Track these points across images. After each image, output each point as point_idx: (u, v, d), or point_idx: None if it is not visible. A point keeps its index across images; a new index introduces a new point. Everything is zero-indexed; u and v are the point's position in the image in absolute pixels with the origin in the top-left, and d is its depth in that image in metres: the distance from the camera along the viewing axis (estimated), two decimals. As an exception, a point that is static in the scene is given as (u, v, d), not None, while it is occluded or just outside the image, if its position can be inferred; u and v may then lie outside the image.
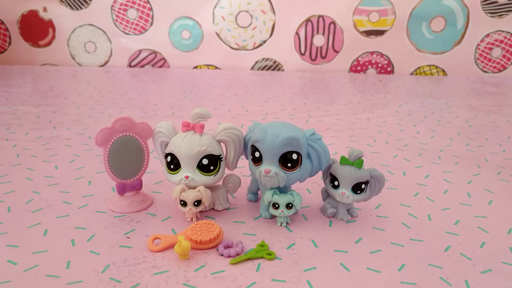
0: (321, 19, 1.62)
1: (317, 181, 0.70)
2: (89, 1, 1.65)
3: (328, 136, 0.92)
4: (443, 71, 1.65)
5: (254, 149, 0.55)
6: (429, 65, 1.65)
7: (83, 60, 1.73)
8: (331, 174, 0.58)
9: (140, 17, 1.66)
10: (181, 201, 0.57)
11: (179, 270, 0.49)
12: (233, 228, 0.57)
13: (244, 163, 0.61)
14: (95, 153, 0.82)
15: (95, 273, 0.48)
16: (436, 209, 0.64)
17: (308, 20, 1.63)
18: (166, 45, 1.69)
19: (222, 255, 0.51)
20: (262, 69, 1.71)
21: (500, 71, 1.64)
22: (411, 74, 1.67)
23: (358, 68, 1.68)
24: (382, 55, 1.65)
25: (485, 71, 1.64)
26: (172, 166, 0.57)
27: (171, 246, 0.52)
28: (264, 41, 1.67)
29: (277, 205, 0.56)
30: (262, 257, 0.51)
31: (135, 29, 1.68)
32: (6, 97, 1.25)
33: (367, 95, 1.34)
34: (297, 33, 1.65)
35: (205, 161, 0.56)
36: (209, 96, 1.32)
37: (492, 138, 0.96)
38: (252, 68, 1.71)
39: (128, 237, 0.55)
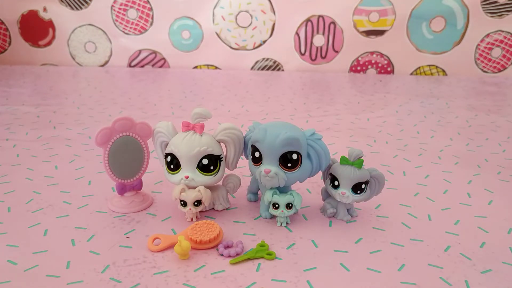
0: (321, 19, 1.62)
1: (317, 181, 0.70)
2: (89, 1, 1.65)
3: (328, 136, 0.92)
4: (443, 71, 1.65)
5: (254, 149, 0.55)
6: (429, 65, 1.65)
7: (83, 60, 1.73)
8: (331, 174, 0.58)
9: (140, 17, 1.66)
10: (181, 201, 0.57)
11: (179, 270, 0.49)
12: (233, 228, 0.57)
13: (244, 163, 0.61)
14: (95, 153, 0.82)
15: (95, 273, 0.48)
16: (436, 209, 0.64)
17: (308, 20, 1.63)
18: (166, 45, 1.69)
19: (222, 255, 0.51)
20: (262, 69, 1.71)
21: (500, 71, 1.64)
22: (411, 74, 1.67)
23: (358, 68, 1.69)
24: (382, 55, 1.65)
25: (485, 71, 1.64)
26: (172, 166, 0.57)
27: (171, 246, 0.52)
28: (264, 41, 1.67)
29: (277, 205, 0.56)
30: (262, 257, 0.51)
31: (135, 29, 1.68)
32: (6, 97, 1.25)
33: (367, 95, 1.34)
34: (297, 33, 1.65)
35: (205, 161, 0.56)
36: (209, 96, 1.32)
37: (492, 138, 0.96)
38: (252, 68, 1.71)
39: (128, 237, 0.55)
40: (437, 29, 1.60)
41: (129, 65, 1.72)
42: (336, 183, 0.57)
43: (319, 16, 1.62)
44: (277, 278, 0.48)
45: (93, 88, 1.38)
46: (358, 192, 0.56)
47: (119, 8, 1.65)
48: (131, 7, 1.65)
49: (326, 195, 0.61)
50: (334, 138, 0.93)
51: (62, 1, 1.65)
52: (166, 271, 0.48)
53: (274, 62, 1.70)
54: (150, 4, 1.65)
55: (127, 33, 1.68)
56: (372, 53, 1.66)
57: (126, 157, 0.59)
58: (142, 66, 1.72)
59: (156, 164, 0.65)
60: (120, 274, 0.48)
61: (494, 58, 1.62)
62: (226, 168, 0.60)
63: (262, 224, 0.59)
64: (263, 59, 1.70)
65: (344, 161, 0.56)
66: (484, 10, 1.56)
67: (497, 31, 1.58)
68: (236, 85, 1.46)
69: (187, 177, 0.56)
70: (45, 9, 1.66)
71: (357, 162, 0.55)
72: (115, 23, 1.67)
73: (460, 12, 1.57)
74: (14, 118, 1.05)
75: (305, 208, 0.63)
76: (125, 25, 1.67)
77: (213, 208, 0.62)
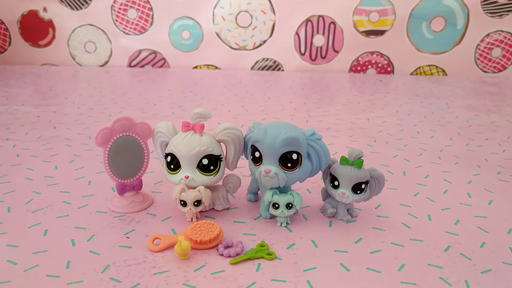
0: (321, 19, 1.62)
1: (317, 181, 0.70)
2: (89, 1, 1.65)
3: (328, 136, 0.92)
4: (443, 71, 1.65)
5: (254, 149, 0.55)
6: (429, 65, 1.65)
7: (83, 60, 1.73)
8: (331, 174, 0.58)
9: (140, 17, 1.66)
10: (181, 201, 0.57)
11: (179, 270, 0.49)
12: (233, 228, 0.57)
13: (244, 163, 0.61)
14: (95, 153, 0.82)
15: (95, 273, 0.48)
16: (436, 209, 0.64)
17: (308, 20, 1.63)
18: (166, 45, 1.69)
19: (222, 255, 0.51)
20: (262, 69, 1.71)
21: (500, 71, 1.64)
22: (411, 74, 1.67)
23: (358, 68, 1.68)
24: (382, 55, 1.65)
25: (485, 71, 1.64)
26: (172, 166, 0.57)
27: (171, 246, 0.52)
28: (264, 41, 1.67)
29: (277, 205, 0.56)
30: (262, 257, 0.51)
31: (135, 29, 1.68)
32: (6, 97, 1.25)
33: (367, 95, 1.34)
34: (297, 33, 1.65)
35: (205, 161, 0.56)
36: (209, 96, 1.32)
37: (492, 138, 0.96)
38: (252, 68, 1.71)
39: (128, 237, 0.55)
40: (437, 29, 1.60)
41: (129, 65, 1.72)
42: (336, 183, 0.57)
43: (319, 16, 1.62)
44: (277, 278, 0.48)
45: (93, 88, 1.38)
46: (358, 192, 0.56)
47: (119, 8, 1.65)
48: (131, 7, 1.65)
49: (326, 195, 0.61)
50: (334, 138, 0.93)
51: (62, 1, 1.65)
52: (166, 271, 0.48)
53: (274, 62, 1.70)
54: (150, 4, 1.65)
55: (127, 33, 1.68)
56: (372, 53, 1.65)
57: (126, 157, 0.59)
58: (142, 66, 1.72)
59: (156, 164, 0.65)
60: (120, 274, 0.48)
61: (494, 58, 1.62)
62: (226, 168, 0.60)
63: (262, 224, 0.59)
64: (263, 59, 1.70)
65: (344, 161, 0.56)
66: (484, 10, 1.56)
67: (497, 31, 1.58)
68: (236, 85, 1.46)
69: (187, 177, 0.56)
70: (45, 9, 1.66)
71: (357, 162, 0.55)
72: (115, 23, 1.67)
73: (460, 12, 1.57)
74: (14, 118, 1.05)
75: (305, 208, 0.63)
76: (125, 25, 1.67)
77: (213, 208, 0.62)
